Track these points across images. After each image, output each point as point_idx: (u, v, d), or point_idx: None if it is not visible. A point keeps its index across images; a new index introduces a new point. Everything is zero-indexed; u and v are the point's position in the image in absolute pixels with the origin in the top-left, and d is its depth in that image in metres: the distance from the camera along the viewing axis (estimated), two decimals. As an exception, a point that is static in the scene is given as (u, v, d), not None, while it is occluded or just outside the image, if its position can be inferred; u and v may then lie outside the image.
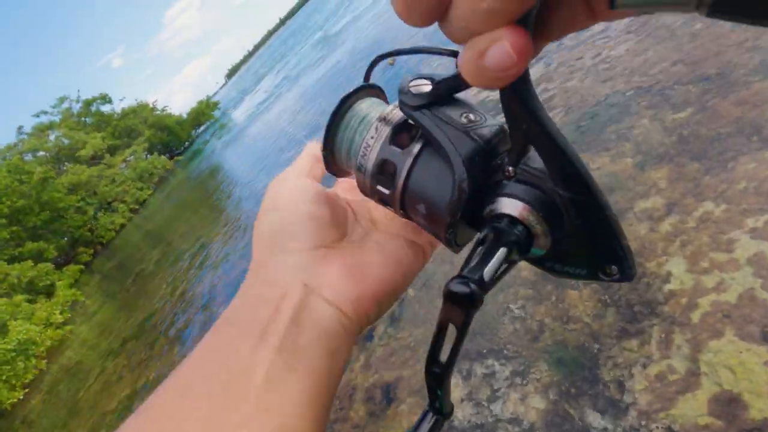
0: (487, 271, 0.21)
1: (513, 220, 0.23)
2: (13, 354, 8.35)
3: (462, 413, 1.66)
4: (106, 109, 29.71)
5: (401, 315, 2.31)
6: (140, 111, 30.54)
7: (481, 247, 0.22)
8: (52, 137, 25.06)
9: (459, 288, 0.21)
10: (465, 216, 0.25)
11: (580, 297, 1.68)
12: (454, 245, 0.27)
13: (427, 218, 0.27)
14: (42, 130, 25.85)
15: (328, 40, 15.69)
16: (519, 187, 0.23)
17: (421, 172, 0.26)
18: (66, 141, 24.36)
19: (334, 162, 0.31)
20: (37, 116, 27.05)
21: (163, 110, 32.70)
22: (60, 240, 18.07)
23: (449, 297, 0.21)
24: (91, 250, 19.20)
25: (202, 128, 35.87)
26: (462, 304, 0.21)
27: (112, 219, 20.00)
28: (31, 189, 17.26)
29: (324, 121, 0.30)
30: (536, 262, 0.26)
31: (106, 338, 6.93)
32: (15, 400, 7.70)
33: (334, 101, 0.29)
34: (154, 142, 29.42)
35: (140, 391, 4.08)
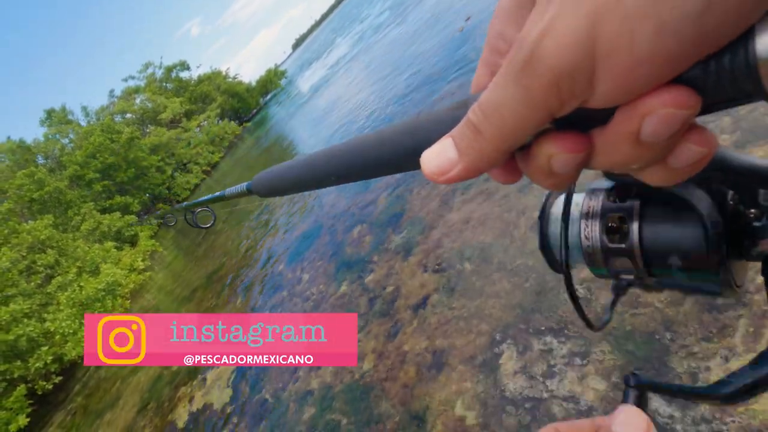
0: None
1: None
2: (103, 293, 9.46)
3: (514, 385, 1.64)
4: (184, 75, 31.60)
5: (456, 286, 2.30)
6: (214, 78, 32.12)
7: None
8: (138, 100, 27.24)
9: None
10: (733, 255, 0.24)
11: (655, 281, 1.57)
12: (734, 286, 0.25)
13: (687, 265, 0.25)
14: (130, 93, 28.14)
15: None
16: None
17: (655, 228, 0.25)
18: (149, 104, 26.36)
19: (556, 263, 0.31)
20: (126, 81, 29.45)
21: (234, 78, 34.19)
22: (143, 195, 19.88)
23: None
24: (169, 206, 20.96)
25: (269, 96, 37.04)
26: None
27: (187, 179, 21.59)
28: (120, 148, 19.02)
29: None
30: None
31: (180, 285, 7.62)
32: (104, 332, 8.78)
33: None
34: (226, 108, 30.95)
35: (208, 335, 4.47)
